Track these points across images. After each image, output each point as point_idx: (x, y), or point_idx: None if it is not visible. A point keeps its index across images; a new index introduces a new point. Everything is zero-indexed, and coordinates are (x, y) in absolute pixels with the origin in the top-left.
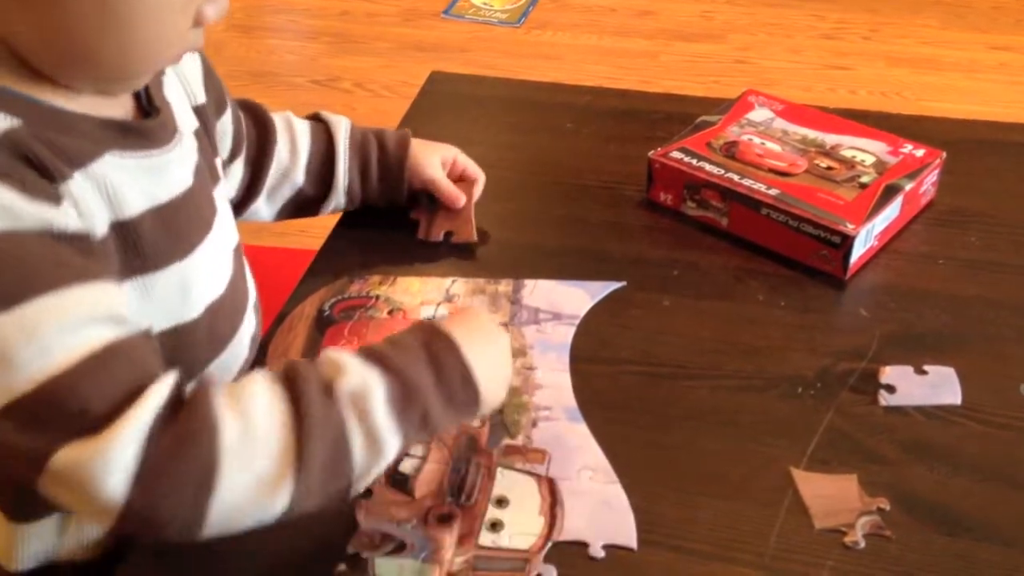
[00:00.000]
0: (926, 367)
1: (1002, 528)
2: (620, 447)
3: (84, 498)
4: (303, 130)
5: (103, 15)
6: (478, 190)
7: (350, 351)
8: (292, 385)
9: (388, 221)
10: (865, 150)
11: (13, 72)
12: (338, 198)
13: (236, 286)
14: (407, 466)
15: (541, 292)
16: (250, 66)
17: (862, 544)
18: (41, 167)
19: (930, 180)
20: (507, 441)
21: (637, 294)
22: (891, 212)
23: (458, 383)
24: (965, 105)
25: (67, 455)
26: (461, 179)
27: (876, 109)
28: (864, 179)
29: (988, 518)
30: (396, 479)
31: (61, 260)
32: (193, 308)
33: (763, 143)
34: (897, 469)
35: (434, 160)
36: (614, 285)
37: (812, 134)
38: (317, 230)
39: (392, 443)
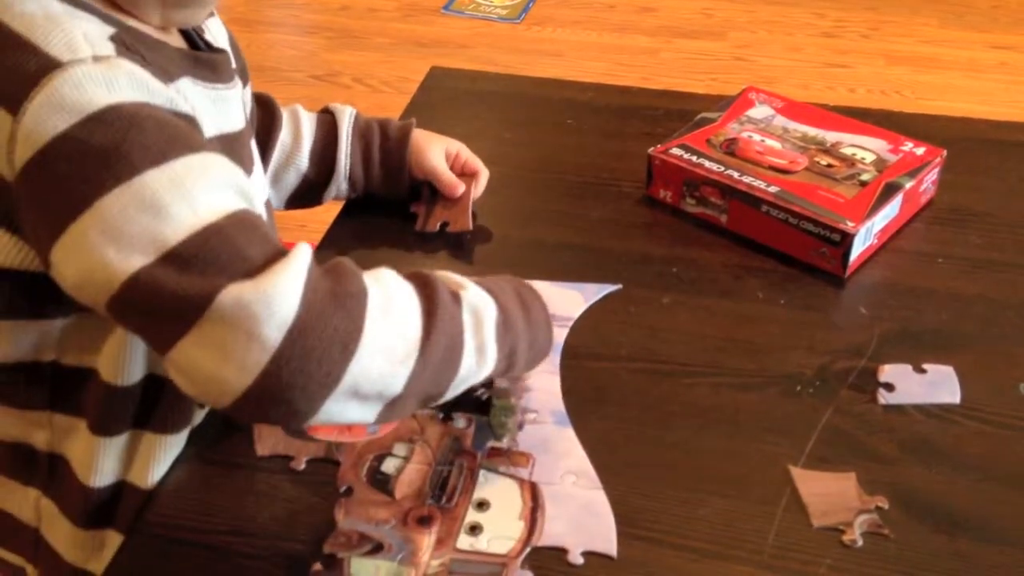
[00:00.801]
0: (925, 366)
1: (1001, 527)
2: (619, 444)
3: (240, 342)
4: (308, 118)
5: None
6: (481, 186)
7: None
8: (424, 283)
9: (386, 218)
10: (865, 148)
11: None
12: (340, 183)
13: None
14: (389, 466)
15: None
16: (250, 60)
17: (860, 543)
18: (149, 65)
19: (930, 178)
20: (492, 443)
21: (636, 291)
22: (891, 210)
23: (542, 329)
24: (964, 104)
25: (232, 293)
26: (463, 173)
27: (875, 107)
28: (864, 177)
29: (987, 517)
30: (377, 479)
31: (194, 131)
32: None
33: (763, 140)
34: (896, 468)
35: (437, 150)
36: (609, 288)
37: (812, 131)
38: (316, 224)
39: (491, 362)
